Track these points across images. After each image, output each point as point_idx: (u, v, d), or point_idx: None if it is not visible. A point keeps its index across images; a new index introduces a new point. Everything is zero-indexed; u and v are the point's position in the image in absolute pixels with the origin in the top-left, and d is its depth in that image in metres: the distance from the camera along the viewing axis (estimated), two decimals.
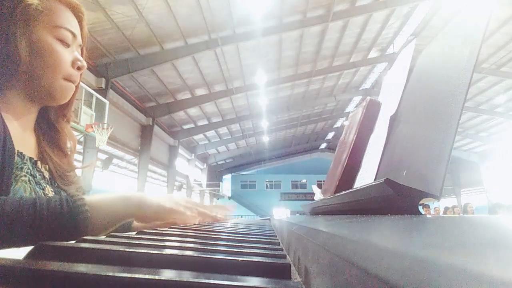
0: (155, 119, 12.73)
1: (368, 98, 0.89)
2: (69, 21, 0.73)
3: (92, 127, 7.85)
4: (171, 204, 0.69)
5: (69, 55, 0.73)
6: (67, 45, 0.72)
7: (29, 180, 0.66)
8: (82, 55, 0.79)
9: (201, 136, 17.46)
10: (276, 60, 12.14)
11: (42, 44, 0.68)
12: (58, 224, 0.54)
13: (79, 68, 0.75)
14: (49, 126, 0.80)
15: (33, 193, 0.66)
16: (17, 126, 0.70)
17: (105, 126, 8.20)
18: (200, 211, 0.79)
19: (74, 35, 0.73)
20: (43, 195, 0.68)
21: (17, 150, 0.65)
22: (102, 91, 9.00)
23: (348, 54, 13.12)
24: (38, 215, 0.53)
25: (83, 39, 0.79)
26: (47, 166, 0.75)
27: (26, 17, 0.66)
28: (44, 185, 0.70)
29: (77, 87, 0.78)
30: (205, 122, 15.70)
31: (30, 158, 0.70)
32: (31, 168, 0.69)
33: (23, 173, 0.66)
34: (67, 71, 0.72)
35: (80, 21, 0.77)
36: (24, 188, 0.64)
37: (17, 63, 0.65)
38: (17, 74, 0.66)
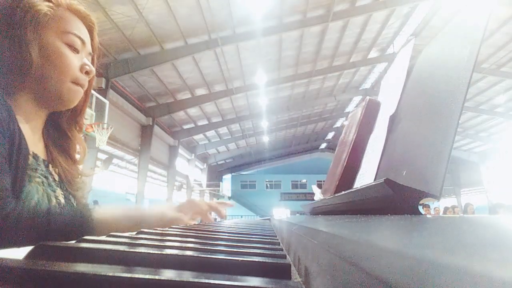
0: (155, 119, 12.72)
1: (368, 98, 0.89)
2: (78, 28, 0.75)
3: (92, 127, 7.84)
4: (173, 214, 0.76)
5: (77, 61, 0.74)
6: (76, 50, 0.74)
7: (42, 182, 0.68)
8: (92, 63, 0.80)
9: (201, 136, 17.45)
10: (276, 60, 12.13)
11: (51, 48, 0.70)
12: (67, 235, 0.58)
13: (87, 73, 0.76)
14: (58, 133, 0.81)
15: (45, 194, 0.67)
16: (28, 130, 0.71)
17: (105, 126, 8.19)
18: (203, 211, 0.86)
19: (83, 41, 0.75)
20: (54, 197, 0.70)
21: (32, 152, 0.67)
22: (102, 91, 8.99)
23: (348, 54, 13.11)
24: (52, 224, 0.57)
25: (93, 49, 0.80)
26: (56, 170, 0.76)
27: (36, 22, 0.68)
28: (55, 188, 0.72)
29: (86, 93, 0.79)
30: (205, 122, 15.69)
31: (44, 160, 0.72)
32: (44, 170, 0.70)
33: (37, 174, 0.67)
34: (75, 75, 0.73)
35: (91, 31, 0.79)
36: (36, 189, 0.66)
37: (29, 66, 0.67)
38: (28, 77, 0.68)
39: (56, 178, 0.75)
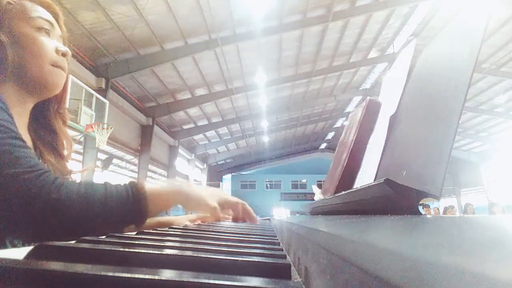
0: (155, 119, 12.72)
1: (368, 98, 0.89)
2: (44, 12, 0.75)
3: (92, 127, 7.84)
4: (213, 201, 0.74)
5: (51, 43, 0.74)
6: (47, 33, 0.74)
7: None
8: (64, 45, 0.80)
9: (201, 136, 17.44)
10: (276, 60, 12.13)
11: (22, 35, 0.70)
12: (123, 207, 0.59)
13: (64, 55, 0.76)
14: (44, 128, 0.80)
15: None
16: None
17: (105, 126, 8.19)
18: (242, 210, 0.85)
19: (51, 23, 0.75)
20: None
21: None
22: (102, 91, 8.99)
23: (348, 54, 13.11)
24: (109, 197, 0.58)
25: (63, 32, 0.80)
26: (46, 165, 0.75)
27: (1, 12, 0.68)
28: None
29: (67, 77, 0.79)
30: (205, 122, 15.69)
31: None
32: None
33: None
34: (52, 57, 0.73)
35: (57, 19, 0.79)
36: None
37: (5, 57, 0.67)
38: (6, 69, 0.68)
39: None
